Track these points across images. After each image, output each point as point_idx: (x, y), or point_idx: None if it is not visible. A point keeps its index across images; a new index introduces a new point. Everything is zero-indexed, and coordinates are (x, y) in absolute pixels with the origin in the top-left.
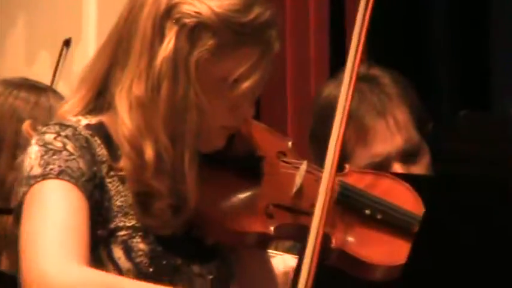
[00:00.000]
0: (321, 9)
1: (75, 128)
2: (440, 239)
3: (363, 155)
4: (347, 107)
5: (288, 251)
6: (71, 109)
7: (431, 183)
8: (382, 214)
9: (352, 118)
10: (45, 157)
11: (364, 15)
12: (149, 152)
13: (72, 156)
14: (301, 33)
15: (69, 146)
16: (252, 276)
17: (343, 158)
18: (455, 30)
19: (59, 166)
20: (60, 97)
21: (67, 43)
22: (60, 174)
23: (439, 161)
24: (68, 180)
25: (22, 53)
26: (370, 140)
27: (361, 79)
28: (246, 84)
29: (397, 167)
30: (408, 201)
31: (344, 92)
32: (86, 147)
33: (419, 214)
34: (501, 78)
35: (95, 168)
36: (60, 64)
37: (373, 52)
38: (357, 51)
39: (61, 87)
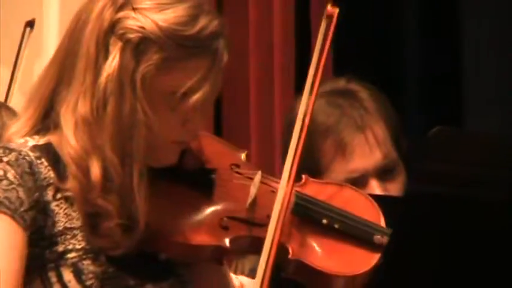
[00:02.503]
0: (286, 23)
1: (19, 152)
2: (407, 259)
3: (340, 170)
4: (307, 120)
5: (248, 275)
6: (18, 130)
7: (402, 203)
8: (339, 224)
9: (331, 132)
10: None
11: (326, 31)
12: (96, 171)
13: (12, 186)
14: (265, 48)
15: (10, 174)
16: None
17: (319, 172)
18: (426, 42)
19: None
20: (13, 113)
21: (30, 24)
22: None
23: (410, 179)
24: (4, 212)
25: None
26: (348, 155)
27: (340, 93)
28: (195, 97)
29: (374, 183)
30: (367, 211)
31: (304, 103)
32: (28, 173)
33: (379, 224)
34: (473, 91)
35: (37, 194)
36: (23, 47)
37: (340, 66)
38: (318, 65)
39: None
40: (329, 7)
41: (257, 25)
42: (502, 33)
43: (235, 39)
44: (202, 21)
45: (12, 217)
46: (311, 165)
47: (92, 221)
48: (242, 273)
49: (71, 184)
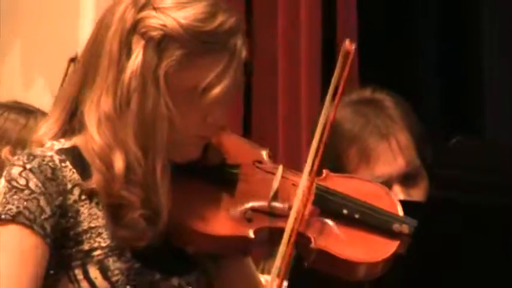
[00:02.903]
0: (313, 31)
1: (42, 158)
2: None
3: (364, 174)
4: (330, 120)
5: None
6: (47, 132)
7: (424, 208)
8: (359, 213)
9: (356, 140)
10: (7, 196)
11: (343, 66)
12: (119, 165)
13: (33, 195)
14: (292, 53)
15: (32, 183)
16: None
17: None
18: (447, 52)
19: (17, 207)
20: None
21: (73, 60)
22: (16, 217)
23: (433, 186)
24: (23, 223)
25: (19, 80)
26: (372, 162)
27: (366, 103)
28: (215, 92)
29: (397, 189)
30: (385, 202)
31: (327, 105)
32: (50, 179)
33: (397, 213)
34: (493, 102)
35: (61, 198)
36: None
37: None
38: (334, 95)
39: None
40: (347, 43)
41: (285, 32)
42: None
43: (265, 44)
44: (220, 18)
45: (31, 227)
46: (337, 170)
47: (116, 213)
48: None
49: (95, 178)
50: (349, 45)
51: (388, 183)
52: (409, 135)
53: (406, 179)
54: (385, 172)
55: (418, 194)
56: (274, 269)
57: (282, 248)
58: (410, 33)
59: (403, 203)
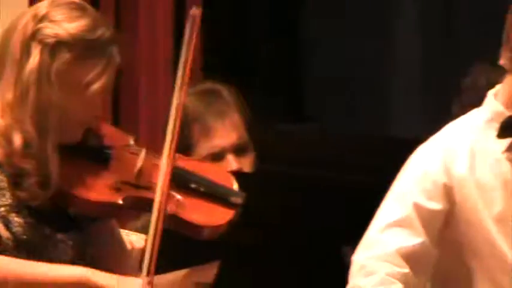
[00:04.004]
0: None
1: None
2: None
3: (204, 147)
4: (180, 109)
5: (140, 231)
6: None
7: (251, 178)
8: (204, 187)
9: (199, 119)
10: None
11: (191, 31)
12: (17, 141)
13: None
14: (152, 56)
15: None
16: (106, 244)
17: (189, 148)
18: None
19: None
20: None
21: None
22: None
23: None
24: None
25: None
26: (211, 136)
27: (207, 92)
28: (95, 87)
29: (231, 158)
30: (223, 179)
31: (175, 96)
32: None
33: (233, 188)
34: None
35: None
36: None
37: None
38: (186, 62)
39: None
40: (193, 9)
41: (146, 37)
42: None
43: (128, 49)
44: (100, 30)
45: None
46: (183, 143)
47: (16, 179)
48: (136, 231)
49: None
50: (194, 11)
51: (223, 152)
52: (240, 116)
53: (238, 150)
54: (221, 144)
55: (247, 162)
56: (150, 233)
57: (154, 216)
58: (245, 30)
59: (237, 174)
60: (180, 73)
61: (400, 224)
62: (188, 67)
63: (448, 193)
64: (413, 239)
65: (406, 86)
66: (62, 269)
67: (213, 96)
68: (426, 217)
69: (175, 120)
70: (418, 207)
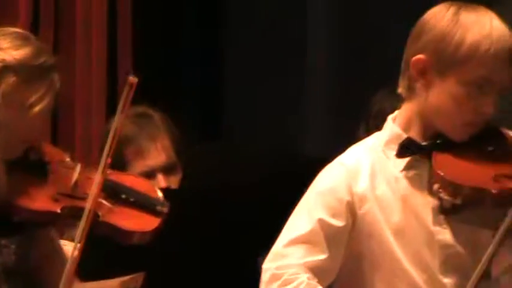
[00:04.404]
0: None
1: None
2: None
3: (137, 166)
4: (118, 131)
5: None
6: None
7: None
8: (133, 197)
9: (132, 141)
10: None
11: (127, 95)
12: None
13: None
14: (87, 83)
15: None
16: (45, 249)
17: (123, 166)
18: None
19: None
20: None
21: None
22: None
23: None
24: None
25: None
26: (143, 157)
27: (141, 116)
28: (37, 108)
29: (160, 177)
30: (150, 191)
31: (116, 118)
32: None
33: (159, 199)
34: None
35: None
36: None
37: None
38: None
39: None
40: (131, 77)
41: (82, 68)
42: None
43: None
44: (43, 58)
45: None
46: (118, 162)
47: None
48: (71, 240)
49: None
50: (132, 79)
51: (154, 171)
52: (170, 139)
53: (167, 170)
54: (152, 164)
55: (175, 181)
56: (77, 236)
57: (83, 221)
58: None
59: (164, 190)
60: (118, 112)
61: (304, 239)
62: (125, 113)
63: (351, 210)
64: (317, 255)
65: (317, 109)
66: None
67: (145, 120)
68: (330, 233)
69: (112, 139)
70: (322, 223)
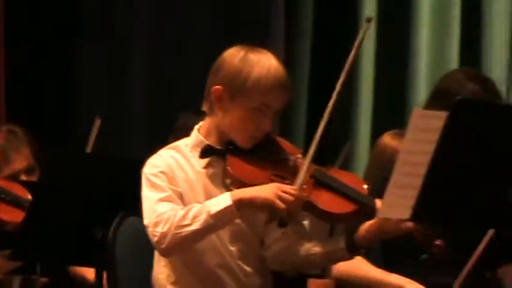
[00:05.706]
0: None
1: None
2: None
3: (7, 170)
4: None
5: None
6: None
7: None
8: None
9: (4, 151)
10: None
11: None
12: None
13: None
14: None
15: None
16: None
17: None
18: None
19: None
20: None
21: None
22: None
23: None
24: None
25: None
26: (9, 161)
27: (8, 132)
28: None
29: (23, 176)
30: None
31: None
32: None
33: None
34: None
35: None
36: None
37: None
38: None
39: None
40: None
41: None
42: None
43: None
44: None
45: None
46: None
47: None
48: None
49: None
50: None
51: (18, 173)
52: (30, 149)
53: (28, 171)
54: (16, 167)
55: (34, 179)
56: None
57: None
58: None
59: (28, 183)
60: None
61: (165, 199)
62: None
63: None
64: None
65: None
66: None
67: (12, 135)
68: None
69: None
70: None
